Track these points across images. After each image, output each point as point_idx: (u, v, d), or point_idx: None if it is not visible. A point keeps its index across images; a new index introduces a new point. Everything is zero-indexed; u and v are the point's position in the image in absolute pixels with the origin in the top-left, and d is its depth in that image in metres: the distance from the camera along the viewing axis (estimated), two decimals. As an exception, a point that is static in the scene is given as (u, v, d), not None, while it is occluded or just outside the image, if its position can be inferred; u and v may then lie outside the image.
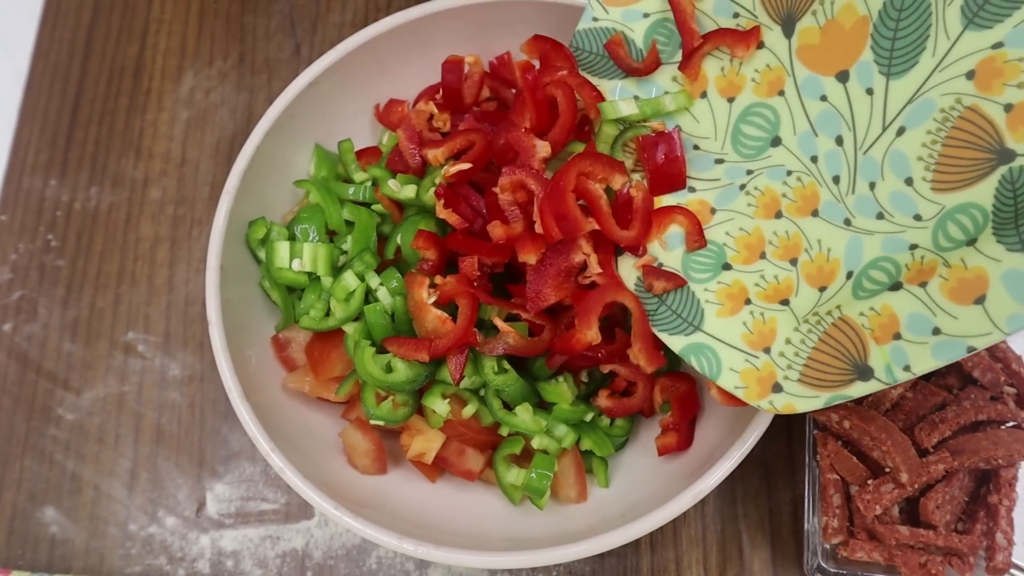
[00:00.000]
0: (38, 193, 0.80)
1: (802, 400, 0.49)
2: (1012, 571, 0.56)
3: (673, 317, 0.55)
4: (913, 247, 0.48)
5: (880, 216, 0.50)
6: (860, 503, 0.56)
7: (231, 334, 0.59)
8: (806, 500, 0.58)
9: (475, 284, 0.58)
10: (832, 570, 0.57)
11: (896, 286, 0.47)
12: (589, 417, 0.61)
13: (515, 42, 0.68)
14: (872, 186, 0.50)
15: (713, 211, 0.56)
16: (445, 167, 0.60)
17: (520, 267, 0.58)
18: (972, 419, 0.56)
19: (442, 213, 0.60)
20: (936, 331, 0.44)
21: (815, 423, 0.59)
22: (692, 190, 0.57)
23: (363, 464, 0.61)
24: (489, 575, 0.66)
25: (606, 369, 0.60)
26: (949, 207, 0.46)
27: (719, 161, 0.57)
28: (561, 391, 0.59)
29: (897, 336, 0.46)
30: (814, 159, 0.53)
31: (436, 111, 0.67)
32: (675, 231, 0.56)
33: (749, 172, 0.56)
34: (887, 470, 0.56)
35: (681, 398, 0.60)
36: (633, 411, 0.61)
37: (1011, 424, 0.58)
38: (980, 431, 0.57)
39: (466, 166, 0.60)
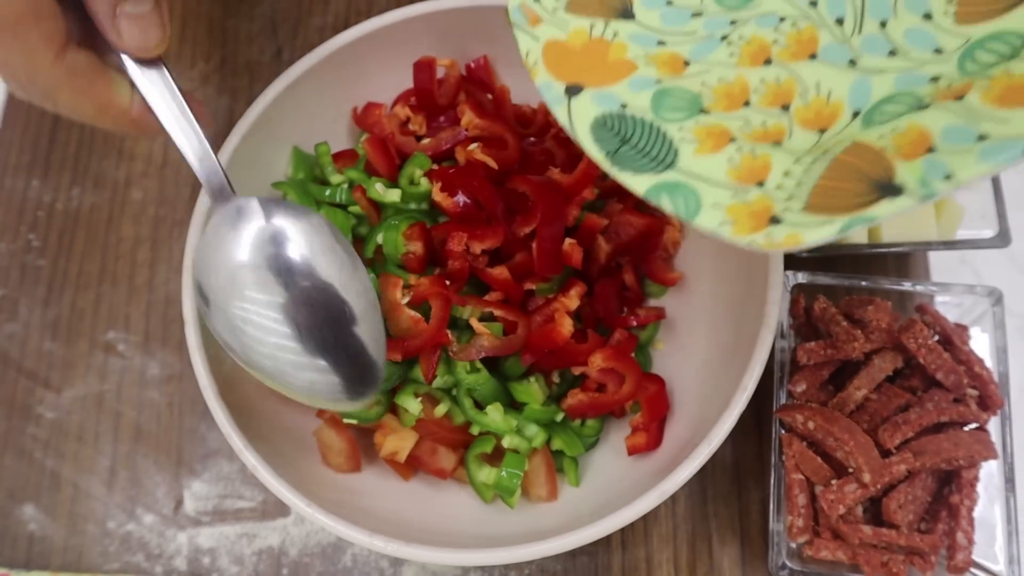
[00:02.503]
0: (20, 193, 0.80)
1: (810, 229, 0.40)
2: (972, 570, 0.57)
3: (639, 156, 0.46)
4: (935, 78, 0.43)
5: (893, 53, 0.45)
6: (824, 503, 0.56)
7: (207, 333, 0.60)
8: (771, 500, 0.59)
9: (449, 284, 0.59)
10: (797, 569, 0.58)
11: (922, 107, 0.42)
12: (560, 417, 0.62)
13: (493, 47, 0.69)
14: (883, 24, 0.47)
15: (686, 63, 0.50)
16: (467, 149, 0.63)
17: (509, 253, 0.61)
18: (935, 420, 0.57)
19: (438, 196, 0.61)
20: (982, 137, 0.38)
21: (781, 424, 0.60)
22: (662, 43, 0.51)
23: (337, 463, 0.62)
24: (462, 572, 0.66)
25: (578, 371, 0.61)
26: (977, 37, 0.43)
27: (696, 15, 0.52)
28: (532, 391, 0.60)
29: (931, 150, 0.39)
30: (813, 3, 0.49)
31: (411, 114, 0.67)
32: (642, 75, 0.50)
33: (733, 23, 0.51)
34: (850, 470, 0.57)
35: (651, 399, 0.61)
36: (603, 412, 0.62)
37: (973, 426, 0.59)
38: (942, 432, 0.58)
39: (491, 162, 0.62)
